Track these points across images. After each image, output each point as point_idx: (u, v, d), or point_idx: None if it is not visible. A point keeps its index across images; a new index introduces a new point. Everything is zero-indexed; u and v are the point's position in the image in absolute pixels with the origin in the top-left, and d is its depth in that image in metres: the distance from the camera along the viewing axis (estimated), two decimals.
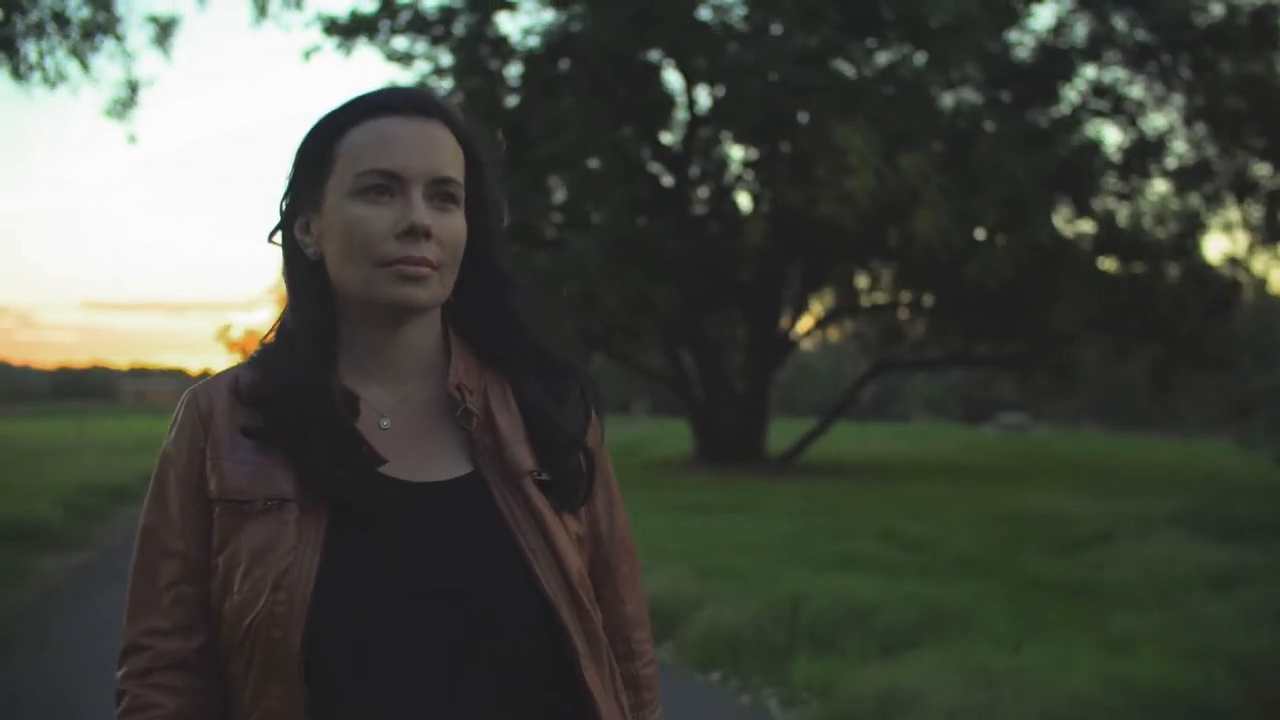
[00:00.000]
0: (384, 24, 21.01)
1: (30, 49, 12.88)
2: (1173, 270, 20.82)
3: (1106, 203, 20.64)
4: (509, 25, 26.91)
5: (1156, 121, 20.79)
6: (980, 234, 19.20)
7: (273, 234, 1.39)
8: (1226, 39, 18.77)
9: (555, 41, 20.56)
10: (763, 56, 18.36)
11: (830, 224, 17.66)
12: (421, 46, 21.44)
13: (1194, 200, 20.79)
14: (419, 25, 21.04)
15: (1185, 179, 20.70)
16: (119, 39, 13.64)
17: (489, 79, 21.02)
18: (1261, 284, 25.98)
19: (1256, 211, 21.04)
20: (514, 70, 21.44)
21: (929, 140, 17.97)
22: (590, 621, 1.32)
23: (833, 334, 41.14)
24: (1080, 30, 20.10)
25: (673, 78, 21.95)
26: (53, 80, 13.09)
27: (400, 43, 21.37)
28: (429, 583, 1.25)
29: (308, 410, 1.29)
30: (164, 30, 14.52)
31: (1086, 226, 20.87)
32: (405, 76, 21.21)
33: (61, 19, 12.98)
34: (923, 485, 17.48)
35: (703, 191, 23.36)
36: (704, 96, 21.90)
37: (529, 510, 1.31)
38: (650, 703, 1.47)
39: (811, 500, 14.47)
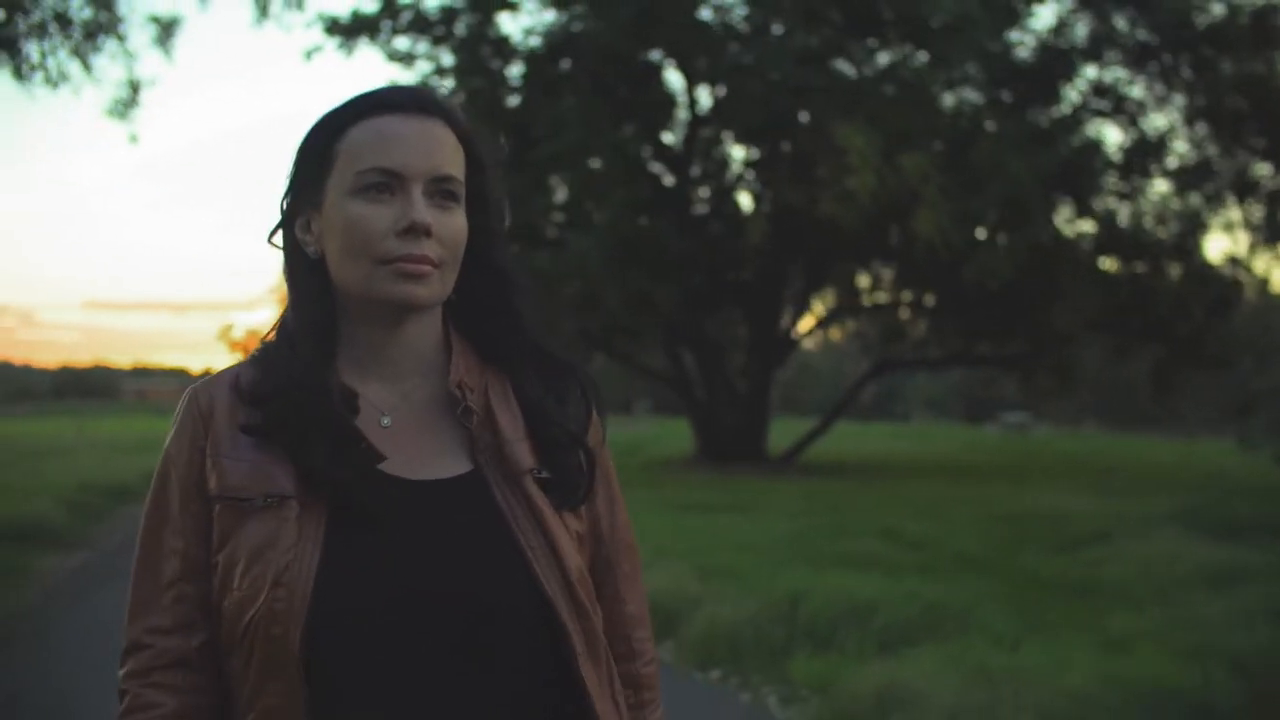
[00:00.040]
0: (385, 24, 21.01)
1: (32, 49, 12.90)
2: (1174, 270, 20.81)
3: (1107, 202, 20.62)
4: (510, 25, 27.02)
5: (1157, 121, 20.81)
6: (981, 234, 19.21)
7: (273, 233, 1.39)
8: (1227, 39, 18.76)
9: (556, 41, 20.57)
10: (763, 56, 18.36)
11: (831, 224, 17.65)
12: (423, 46, 21.45)
13: (1195, 200, 20.77)
14: (420, 25, 21.04)
15: (1186, 179, 20.68)
16: (121, 39, 13.67)
17: (490, 79, 21.02)
18: (1263, 284, 25.95)
19: (1257, 211, 21.02)
20: (515, 70, 21.45)
21: (930, 140, 17.97)
22: (589, 620, 1.32)
23: (834, 333, 41.11)
24: (1081, 30, 20.09)
25: (674, 78, 21.97)
26: (55, 80, 13.11)
27: (402, 43, 21.39)
28: (429, 581, 1.25)
29: (307, 409, 1.29)
30: (166, 30, 14.54)
31: (1087, 226, 20.86)
32: (407, 76, 21.20)
33: (64, 19, 13.00)
34: (923, 485, 17.48)
35: (704, 191, 23.36)
36: (705, 96, 21.91)
37: (529, 508, 1.31)
38: (651, 702, 1.47)
39: (812, 499, 14.47)
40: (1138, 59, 20.08)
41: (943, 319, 23.74)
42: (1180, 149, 20.80)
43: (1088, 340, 22.65)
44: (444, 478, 1.32)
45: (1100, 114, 20.57)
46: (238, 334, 79.52)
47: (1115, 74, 20.48)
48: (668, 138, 22.42)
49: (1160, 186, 21.22)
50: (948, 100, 19.41)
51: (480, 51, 20.99)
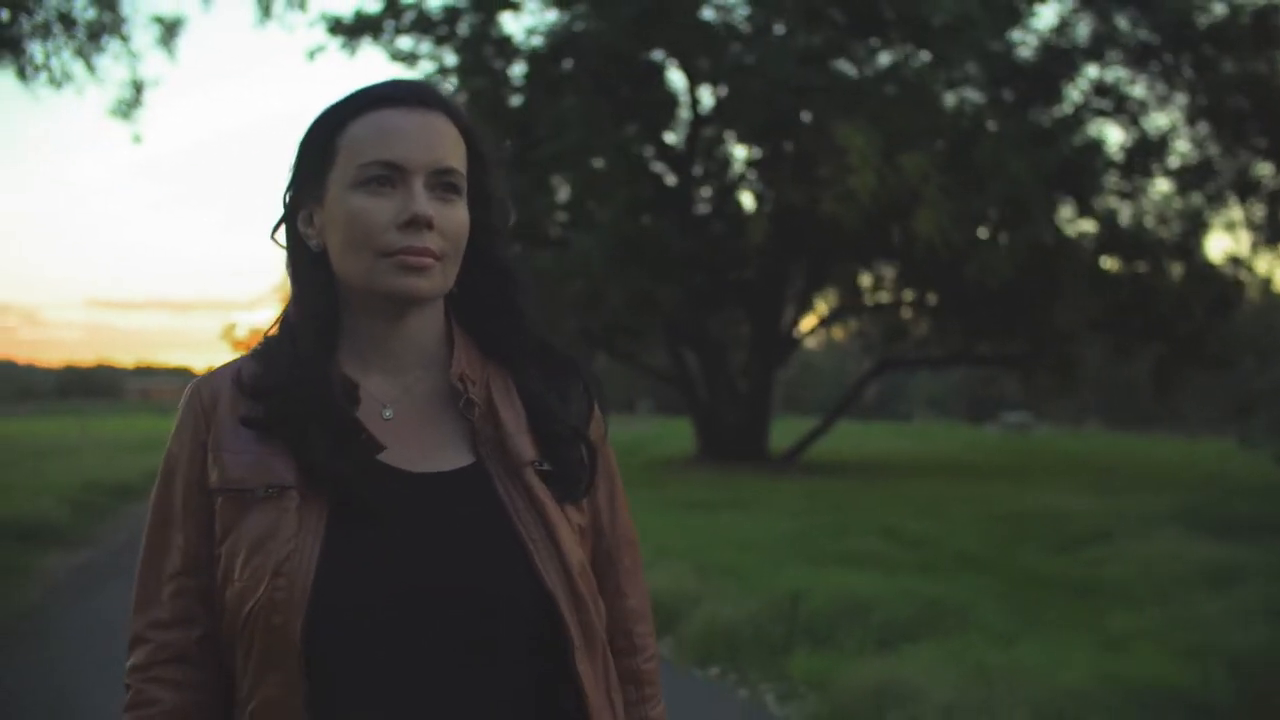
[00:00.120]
0: (388, 24, 21.02)
1: (36, 49, 12.90)
2: (1175, 270, 20.79)
3: (1109, 202, 20.61)
4: (513, 25, 27.01)
5: (1159, 121, 20.79)
6: (983, 233, 19.21)
7: (276, 227, 1.39)
8: (1229, 38, 18.75)
9: (559, 41, 20.57)
10: (765, 56, 18.36)
11: (833, 223, 17.65)
12: (426, 46, 21.45)
13: (1196, 199, 20.76)
14: (423, 25, 21.05)
15: (1187, 178, 20.67)
16: (124, 39, 13.67)
17: (493, 79, 21.02)
18: (1264, 283, 25.93)
19: (1259, 211, 21.00)
20: (518, 70, 21.45)
21: (931, 139, 17.96)
22: (587, 613, 1.31)
23: (836, 333, 41.09)
24: (1082, 29, 20.08)
25: (676, 77, 21.97)
26: (58, 81, 13.11)
27: (404, 42, 21.39)
28: (429, 574, 1.25)
29: (308, 402, 1.29)
30: (169, 30, 14.53)
31: (1088, 226, 20.85)
32: (410, 76, 21.18)
33: (67, 19, 13.00)
34: (924, 484, 17.47)
35: (706, 191, 23.36)
36: (707, 96, 21.92)
37: (530, 500, 1.31)
38: (652, 697, 1.46)
39: (813, 498, 14.46)
40: (1139, 58, 20.07)
41: (944, 318, 23.73)
42: (1182, 148, 20.82)
43: (1089, 339, 22.62)
44: (445, 470, 1.32)
45: (1102, 113, 20.56)
46: (241, 333, 79.60)
47: (1116, 73, 20.48)
48: (670, 137, 22.43)
49: (1162, 186, 21.24)
50: (949, 100, 19.40)
51: (483, 51, 21.00)
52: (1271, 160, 20.43)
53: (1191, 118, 20.39)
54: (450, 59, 21.40)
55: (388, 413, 1.34)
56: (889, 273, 24.30)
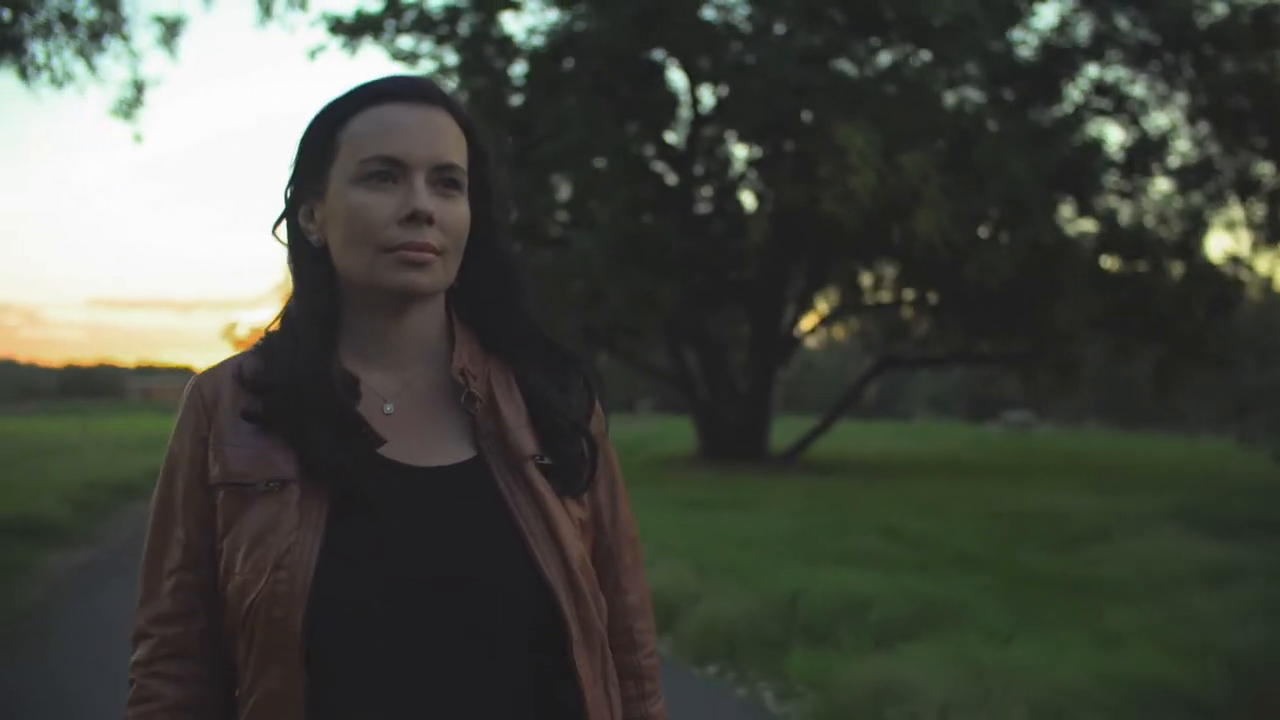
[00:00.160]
0: (389, 23, 21.01)
1: (37, 49, 12.92)
2: (1175, 269, 20.77)
3: (1109, 201, 20.59)
4: (513, 25, 27.00)
5: (1159, 120, 20.76)
6: (983, 232, 19.21)
7: (278, 223, 1.40)
8: (1229, 38, 18.74)
9: (560, 41, 20.57)
10: (766, 56, 18.36)
11: (833, 223, 17.66)
12: (426, 46, 21.43)
13: (1196, 199, 20.74)
14: (424, 24, 21.04)
15: (1188, 178, 20.66)
16: (125, 39, 13.68)
17: (494, 78, 21.02)
18: (1265, 283, 25.93)
19: (1259, 210, 20.98)
20: (519, 69, 21.44)
21: (931, 139, 17.96)
22: (586, 608, 1.32)
23: (837, 332, 41.10)
24: (1083, 29, 20.07)
25: (676, 77, 21.95)
26: (60, 80, 13.13)
27: (405, 42, 21.37)
28: (430, 568, 1.25)
29: (309, 397, 1.30)
30: (170, 30, 14.55)
31: (1089, 225, 20.84)
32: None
33: (69, 19, 13.02)
34: (925, 483, 17.48)
35: (706, 190, 23.34)
36: (708, 96, 21.91)
37: (531, 494, 1.32)
38: (652, 694, 1.47)
39: (813, 497, 14.46)
40: (1139, 58, 20.06)
41: (945, 317, 23.73)
42: (1182, 148, 20.79)
43: (1089, 339, 22.62)
44: (446, 464, 1.33)
45: (1102, 113, 20.55)
46: (242, 332, 79.56)
47: (1117, 73, 20.46)
48: (670, 137, 22.43)
49: (1162, 185, 21.21)
50: (949, 100, 19.39)
51: (484, 51, 21.00)
52: (1271, 160, 20.42)
53: (1192, 117, 20.38)
54: (451, 58, 21.40)
55: (388, 407, 1.35)
56: (889, 272, 24.28)
